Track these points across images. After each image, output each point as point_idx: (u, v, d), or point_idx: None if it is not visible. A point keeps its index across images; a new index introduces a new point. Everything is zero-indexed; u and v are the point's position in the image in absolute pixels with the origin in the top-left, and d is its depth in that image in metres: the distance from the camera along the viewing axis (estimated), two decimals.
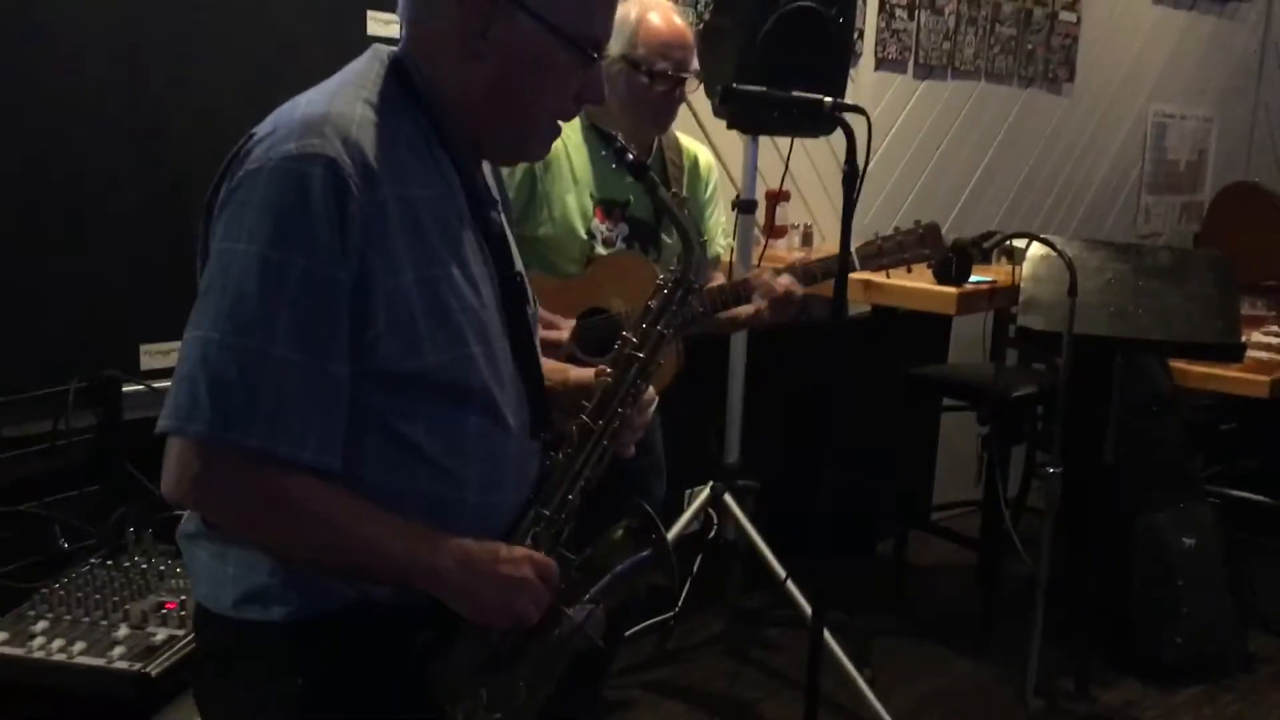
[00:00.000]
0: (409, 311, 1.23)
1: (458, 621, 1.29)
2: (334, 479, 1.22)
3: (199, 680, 1.44)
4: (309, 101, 1.25)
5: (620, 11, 2.47)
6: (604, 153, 1.48)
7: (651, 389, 1.48)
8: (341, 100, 1.25)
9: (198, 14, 2.35)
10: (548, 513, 1.36)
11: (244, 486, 1.20)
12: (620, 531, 1.43)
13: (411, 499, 1.27)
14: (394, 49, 1.34)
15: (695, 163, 2.64)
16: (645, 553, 1.42)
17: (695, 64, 2.45)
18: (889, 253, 2.56)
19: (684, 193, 2.60)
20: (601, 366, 1.45)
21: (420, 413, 1.26)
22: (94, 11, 2.22)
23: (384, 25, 2.65)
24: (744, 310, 2.52)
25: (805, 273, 2.52)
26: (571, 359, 2.27)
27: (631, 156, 1.44)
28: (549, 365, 1.50)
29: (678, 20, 2.43)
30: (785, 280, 2.47)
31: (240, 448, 1.16)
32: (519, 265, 1.43)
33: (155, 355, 2.30)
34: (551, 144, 1.42)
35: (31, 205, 2.20)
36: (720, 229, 2.72)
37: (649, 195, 1.50)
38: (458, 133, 1.32)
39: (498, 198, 1.44)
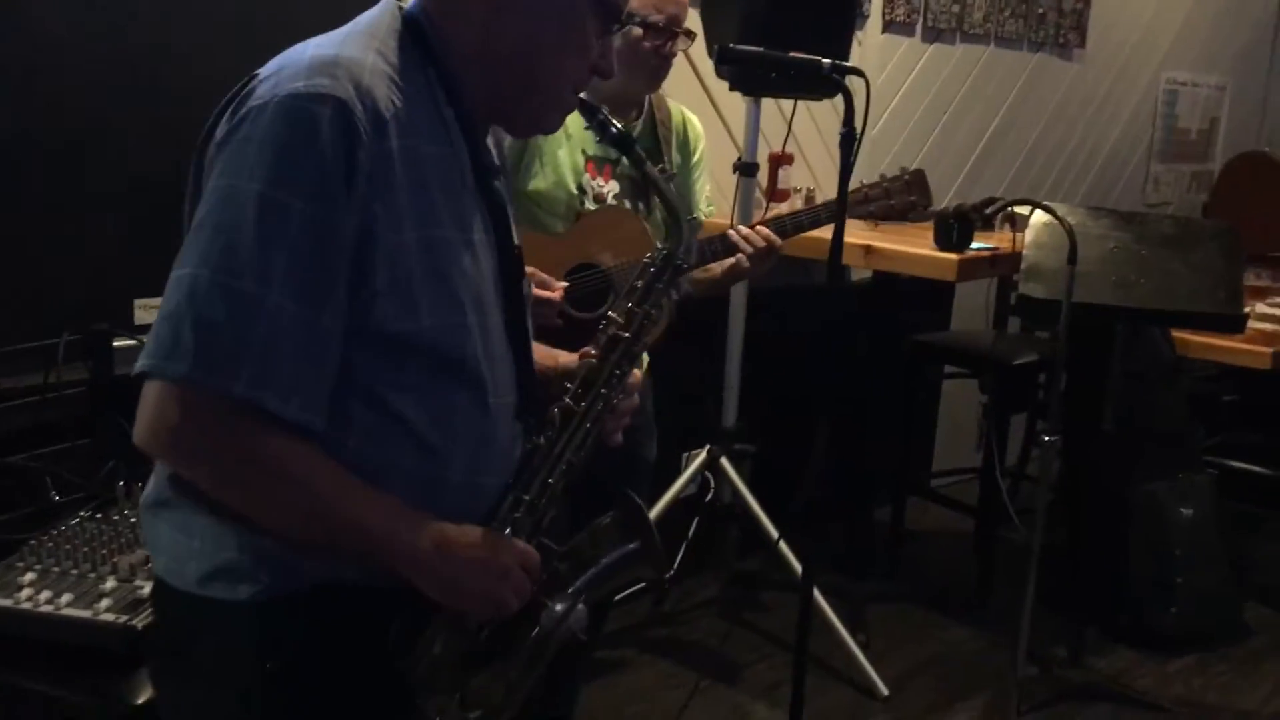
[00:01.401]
0: (408, 271, 1.18)
1: (434, 610, 1.24)
2: (316, 444, 1.17)
3: (155, 659, 1.39)
4: (318, 45, 1.20)
5: None
6: (587, 127, 1.44)
7: (637, 373, 1.43)
8: (353, 46, 1.20)
9: None
10: (527, 498, 1.31)
11: (223, 438, 1.13)
12: (607, 522, 1.37)
13: (395, 473, 1.22)
14: (406, 4, 1.28)
15: (684, 127, 2.63)
16: (633, 545, 1.36)
17: (687, 23, 2.44)
18: (875, 199, 2.55)
19: (674, 155, 2.58)
20: (586, 349, 1.40)
21: (410, 384, 1.21)
22: None
23: None
24: (719, 266, 2.51)
25: (789, 224, 2.52)
26: (563, 316, 2.26)
27: (615, 129, 1.40)
28: (540, 350, 1.46)
29: None
30: (764, 231, 2.46)
31: (223, 395, 1.10)
32: (518, 239, 1.39)
33: (149, 310, 2.30)
34: (566, 117, 1.37)
35: (25, 159, 2.19)
36: (704, 195, 2.71)
37: (635, 169, 1.45)
38: (469, 95, 1.27)
39: (501, 168, 1.39)
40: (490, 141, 1.38)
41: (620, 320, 1.37)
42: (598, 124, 1.40)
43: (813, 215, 2.53)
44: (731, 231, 2.47)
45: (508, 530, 1.29)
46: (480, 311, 1.26)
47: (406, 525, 1.21)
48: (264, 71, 1.19)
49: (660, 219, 2.61)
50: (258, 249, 1.10)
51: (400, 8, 1.27)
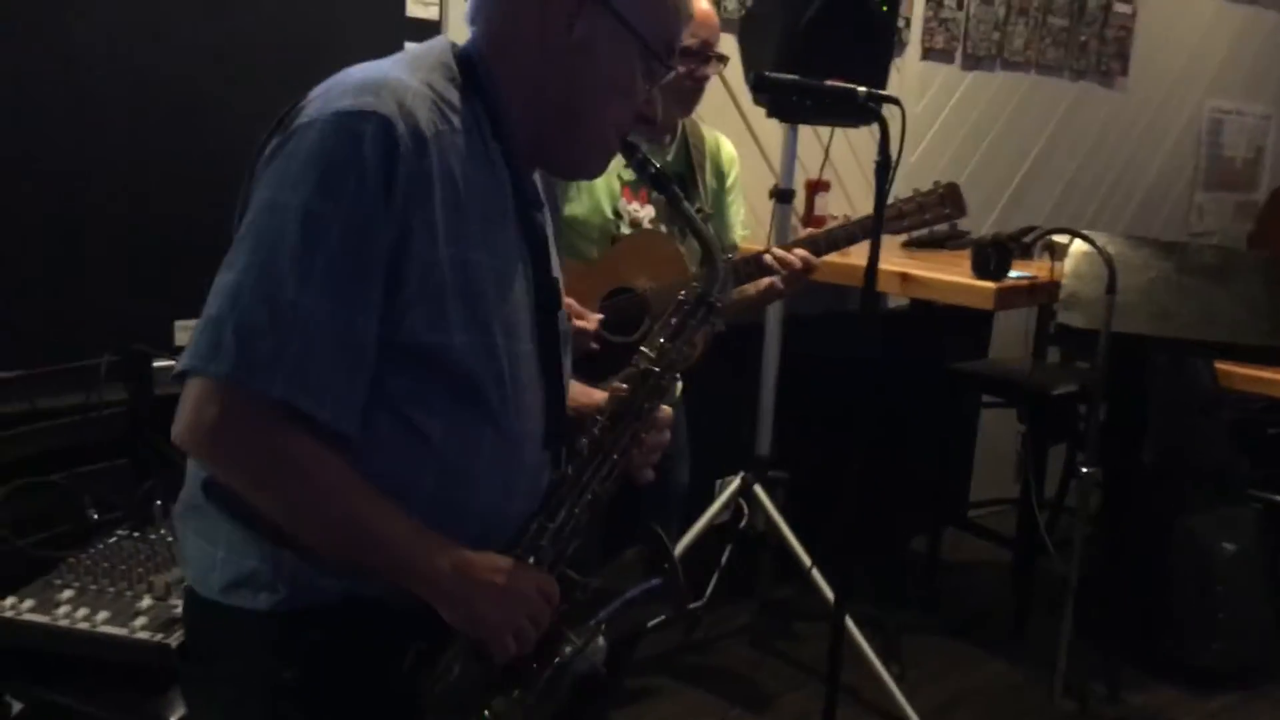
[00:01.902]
0: (440, 287, 1.20)
1: (453, 634, 1.25)
2: (347, 458, 1.19)
3: (183, 665, 1.42)
4: (365, 69, 1.24)
5: None
6: (626, 165, 1.46)
7: (667, 409, 1.44)
8: (399, 70, 1.24)
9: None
10: (552, 526, 1.31)
11: (257, 437, 1.16)
12: (632, 556, 1.38)
13: (418, 492, 1.23)
14: (461, 42, 1.33)
15: (718, 151, 2.64)
16: (655, 581, 1.37)
17: (719, 47, 2.47)
18: (910, 214, 2.54)
19: (708, 178, 2.59)
20: (616, 383, 1.41)
21: (437, 406, 1.23)
22: None
23: (423, 7, 2.67)
24: (753, 287, 2.50)
25: (824, 242, 2.51)
26: (599, 340, 2.27)
27: (654, 169, 1.41)
28: (578, 388, 1.48)
29: (704, 2, 2.46)
30: (800, 252, 2.46)
31: (261, 397, 1.13)
32: (556, 271, 1.41)
33: (189, 332, 2.33)
34: (610, 160, 1.40)
35: (72, 182, 2.24)
36: (739, 219, 2.72)
37: (672, 208, 1.47)
38: (516, 132, 1.30)
39: (544, 202, 1.42)
40: (536, 176, 1.41)
41: (652, 355, 1.39)
42: (637, 163, 1.41)
43: (848, 232, 2.52)
44: (767, 255, 2.47)
45: (531, 558, 1.29)
46: (510, 337, 1.28)
47: (427, 546, 1.22)
48: (314, 93, 1.23)
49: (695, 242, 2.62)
50: (299, 257, 1.14)
51: (453, 44, 1.32)
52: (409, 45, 1.35)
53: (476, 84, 1.29)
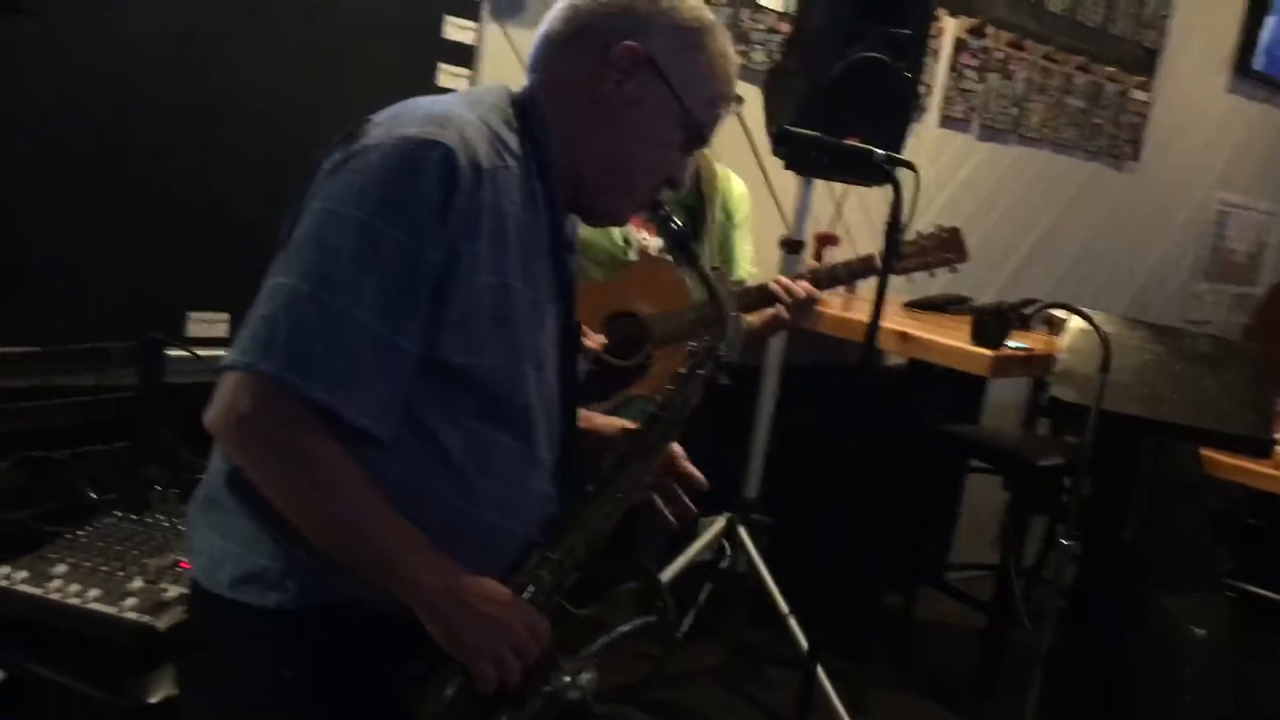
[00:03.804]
0: (477, 311, 1.27)
1: (448, 656, 1.28)
2: (365, 468, 1.23)
3: (184, 657, 1.46)
4: (431, 102, 1.33)
5: None
6: (649, 219, 1.54)
7: (678, 448, 1.51)
8: (462, 106, 1.32)
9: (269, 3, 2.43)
10: (554, 556, 1.35)
11: (290, 434, 1.21)
12: (626, 592, 1.42)
13: (431, 502, 1.28)
14: (517, 89, 1.42)
15: (729, 190, 2.70)
16: (650, 619, 1.41)
17: (736, 89, 2.52)
18: (911, 256, 2.58)
19: (718, 214, 2.64)
20: (626, 424, 1.50)
21: (460, 421, 1.29)
22: None
23: (459, 30, 2.72)
24: (758, 318, 2.53)
25: (824, 276, 2.54)
26: (599, 362, 2.32)
27: (675, 227, 1.49)
28: (600, 417, 1.56)
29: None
30: (804, 284, 2.49)
31: (302, 397, 1.19)
32: (578, 315, 1.49)
33: (200, 323, 2.37)
34: (640, 213, 1.50)
35: (98, 172, 2.28)
36: (747, 257, 2.76)
37: (688, 266, 1.56)
38: (558, 175, 1.38)
39: (575, 246, 1.50)
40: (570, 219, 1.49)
41: (660, 401, 1.47)
42: (659, 219, 1.49)
43: (851, 270, 2.56)
44: (772, 282, 2.50)
45: (530, 587, 1.33)
46: (538, 366, 1.35)
47: (426, 561, 1.26)
48: (378, 117, 1.31)
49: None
50: (353, 270, 1.20)
51: (510, 90, 1.41)
52: (465, 86, 1.44)
53: (530, 128, 1.37)
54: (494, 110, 1.36)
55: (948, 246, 2.59)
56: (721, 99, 1.43)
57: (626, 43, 1.36)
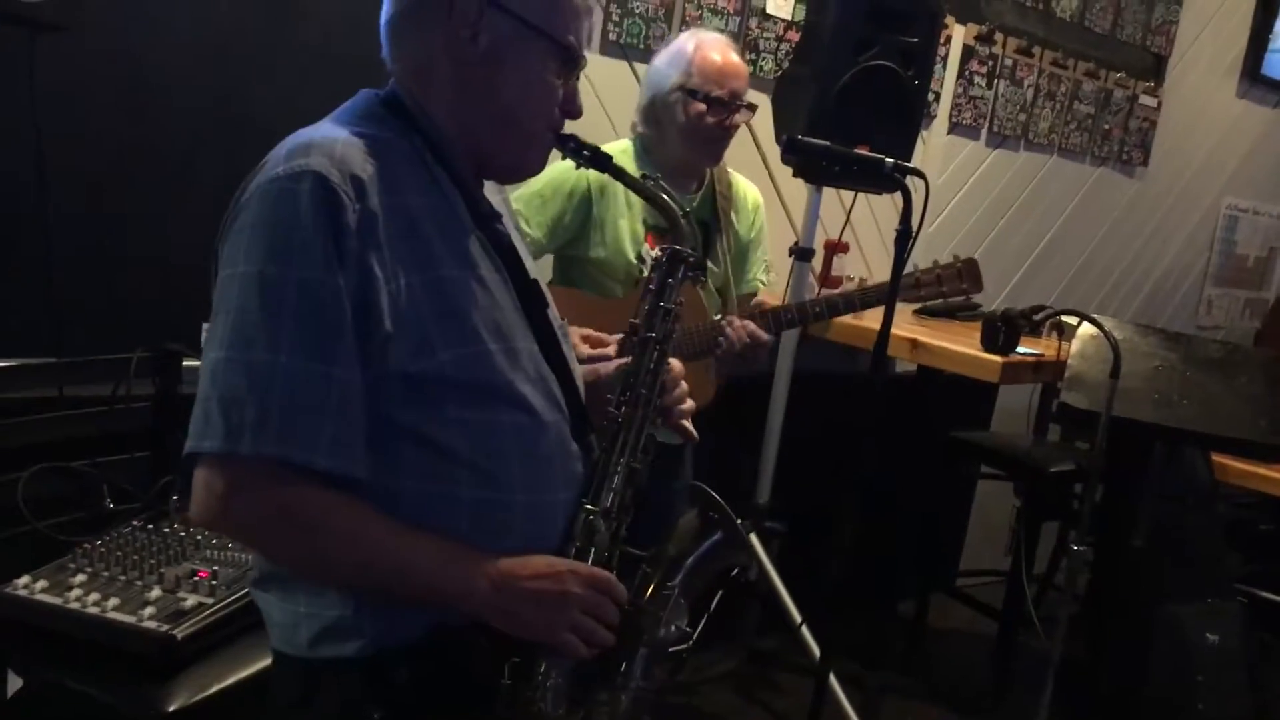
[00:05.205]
0: (416, 312, 1.25)
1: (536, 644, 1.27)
2: (358, 495, 1.22)
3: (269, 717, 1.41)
4: (294, 137, 1.30)
5: (678, 44, 2.57)
6: (563, 154, 1.50)
7: (676, 363, 1.48)
8: (326, 129, 1.31)
9: (289, 13, 2.44)
10: (599, 510, 1.34)
11: (262, 499, 1.20)
12: (686, 520, 1.41)
13: (456, 506, 1.26)
14: (382, 90, 1.39)
15: (744, 199, 2.71)
16: (717, 536, 1.40)
17: (748, 97, 2.53)
18: (926, 285, 2.59)
19: (733, 224, 2.65)
20: (621, 360, 1.47)
21: (453, 418, 1.27)
22: (191, 7, 2.33)
23: None
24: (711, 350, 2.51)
25: (777, 318, 2.53)
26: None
27: (588, 153, 1.46)
28: (583, 368, 1.53)
29: (733, 54, 2.53)
30: (750, 327, 2.47)
31: (255, 459, 1.17)
32: (533, 273, 1.46)
33: None
34: (548, 155, 1.46)
35: (118, 186, 2.30)
36: (761, 267, 2.77)
37: (631, 188, 1.53)
38: (455, 151, 1.37)
39: (501, 212, 1.47)
40: (495, 191, 1.47)
41: (642, 322, 1.44)
42: (571, 150, 1.45)
43: (863, 298, 2.57)
44: (725, 322, 2.47)
45: (590, 549, 1.32)
46: (502, 339, 1.32)
47: (460, 569, 1.25)
48: (252, 172, 1.30)
49: (714, 288, 2.68)
50: (264, 320, 1.19)
51: (376, 91, 1.39)
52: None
53: (410, 119, 1.35)
54: (365, 118, 1.34)
55: (964, 277, 2.59)
56: (578, 10, 1.39)
57: None
